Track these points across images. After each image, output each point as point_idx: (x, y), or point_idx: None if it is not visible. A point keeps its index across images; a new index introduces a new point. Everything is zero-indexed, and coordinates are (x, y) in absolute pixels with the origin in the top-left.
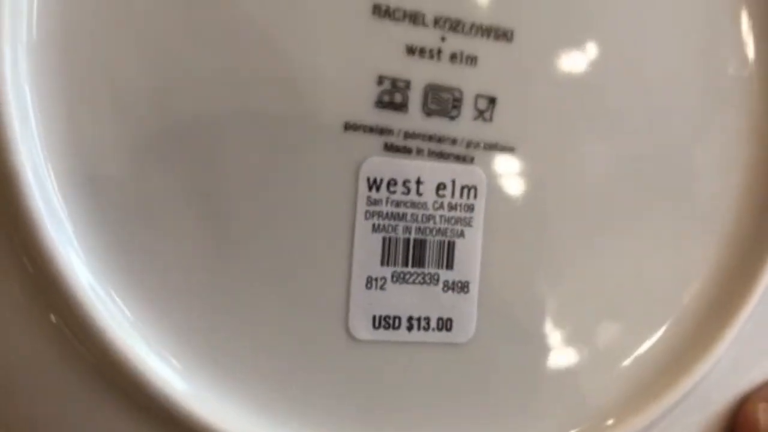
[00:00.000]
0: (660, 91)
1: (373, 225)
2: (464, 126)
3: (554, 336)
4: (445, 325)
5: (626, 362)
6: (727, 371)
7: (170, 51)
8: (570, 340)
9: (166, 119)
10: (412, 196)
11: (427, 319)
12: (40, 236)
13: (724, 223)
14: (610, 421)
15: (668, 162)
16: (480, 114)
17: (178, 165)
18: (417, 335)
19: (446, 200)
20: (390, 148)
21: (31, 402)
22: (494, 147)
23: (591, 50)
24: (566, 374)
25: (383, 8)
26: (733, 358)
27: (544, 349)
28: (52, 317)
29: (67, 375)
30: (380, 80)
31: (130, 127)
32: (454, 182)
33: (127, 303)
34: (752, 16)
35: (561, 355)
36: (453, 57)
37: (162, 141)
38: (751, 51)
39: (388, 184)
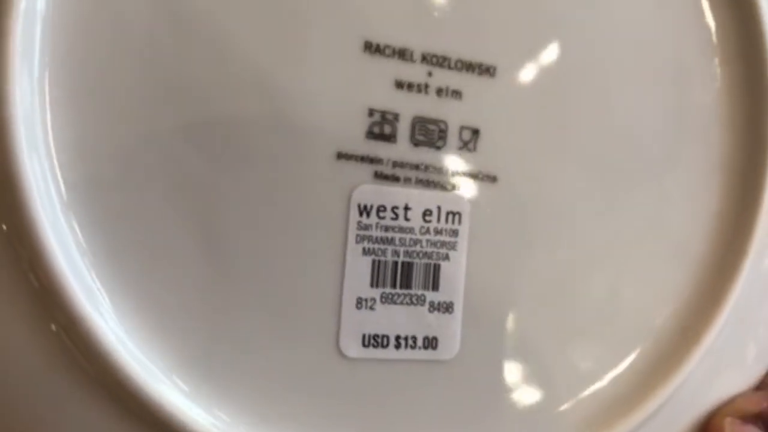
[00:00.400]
0: (632, 122)
1: (364, 248)
2: (449, 156)
3: (534, 354)
4: (431, 343)
5: (604, 378)
6: (696, 387)
7: (169, 79)
8: (549, 359)
9: (164, 146)
10: (400, 222)
11: (414, 338)
12: (45, 255)
13: (694, 248)
14: None
15: (641, 189)
16: (464, 144)
17: (176, 190)
18: (404, 353)
19: (432, 225)
20: (380, 177)
21: (29, 410)
22: (477, 175)
23: (568, 85)
24: (545, 390)
25: (374, 45)
26: (701, 376)
27: (524, 366)
28: (53, 327)
29: (64, 382)
30: (371, 113)
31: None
32: (439, 208)
33: (127, 318)
34: (719, 45)
35: (540, 372)
36: (439, 91)
37: (160, 163)
38: (717, 82)
39: (378, 210)
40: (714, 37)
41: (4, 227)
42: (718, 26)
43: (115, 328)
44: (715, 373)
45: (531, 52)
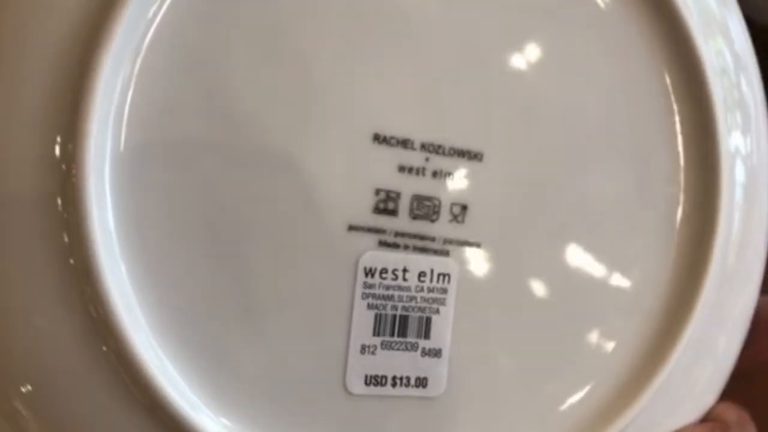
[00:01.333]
0: (599, 195)
1: (368, 304)
2: (442, 227)
3: (506, 392)
4: (422, 383)
5: (564, 409)
6: (646, 423)
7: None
8: (520, 396)
9: (208, 217)
10: (399, 282)
11: (408, 378)
12: (104, 292)
13: (648, 301)
14: None
15: (604, 252)
16: (454, 218)
17: (216, 258)
18: (399, 390)
19: (426, 285)
20: (383, 244)
21: (78, 417)
22: (465, 243)
23: (543, 166)
24: (514, 422)
25: (381, 136)
26: (653, 412)
27: (498, 402)
28: (104, 348)
29: (109, 394)
30: (377, 192)
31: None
32: (432, 270)
33: (167, 347)
34: (680, 129)
35: (511, 407)
36: (434, 174)
37: (204, 235)
38: (676, 161)
39: (381, 272)
40: (675, 123)
41: (72, 262)
42: (678, 115)
43: (157, 354)
44: (667, 408)
45: (513, 139)
